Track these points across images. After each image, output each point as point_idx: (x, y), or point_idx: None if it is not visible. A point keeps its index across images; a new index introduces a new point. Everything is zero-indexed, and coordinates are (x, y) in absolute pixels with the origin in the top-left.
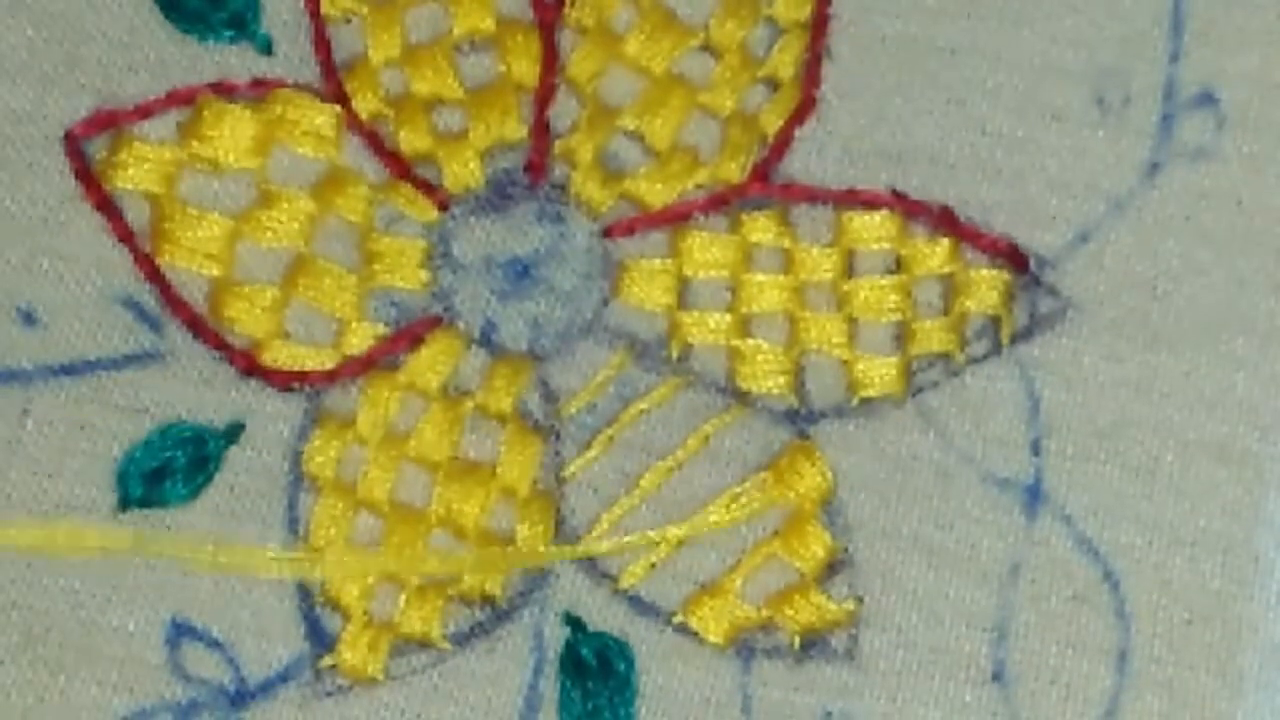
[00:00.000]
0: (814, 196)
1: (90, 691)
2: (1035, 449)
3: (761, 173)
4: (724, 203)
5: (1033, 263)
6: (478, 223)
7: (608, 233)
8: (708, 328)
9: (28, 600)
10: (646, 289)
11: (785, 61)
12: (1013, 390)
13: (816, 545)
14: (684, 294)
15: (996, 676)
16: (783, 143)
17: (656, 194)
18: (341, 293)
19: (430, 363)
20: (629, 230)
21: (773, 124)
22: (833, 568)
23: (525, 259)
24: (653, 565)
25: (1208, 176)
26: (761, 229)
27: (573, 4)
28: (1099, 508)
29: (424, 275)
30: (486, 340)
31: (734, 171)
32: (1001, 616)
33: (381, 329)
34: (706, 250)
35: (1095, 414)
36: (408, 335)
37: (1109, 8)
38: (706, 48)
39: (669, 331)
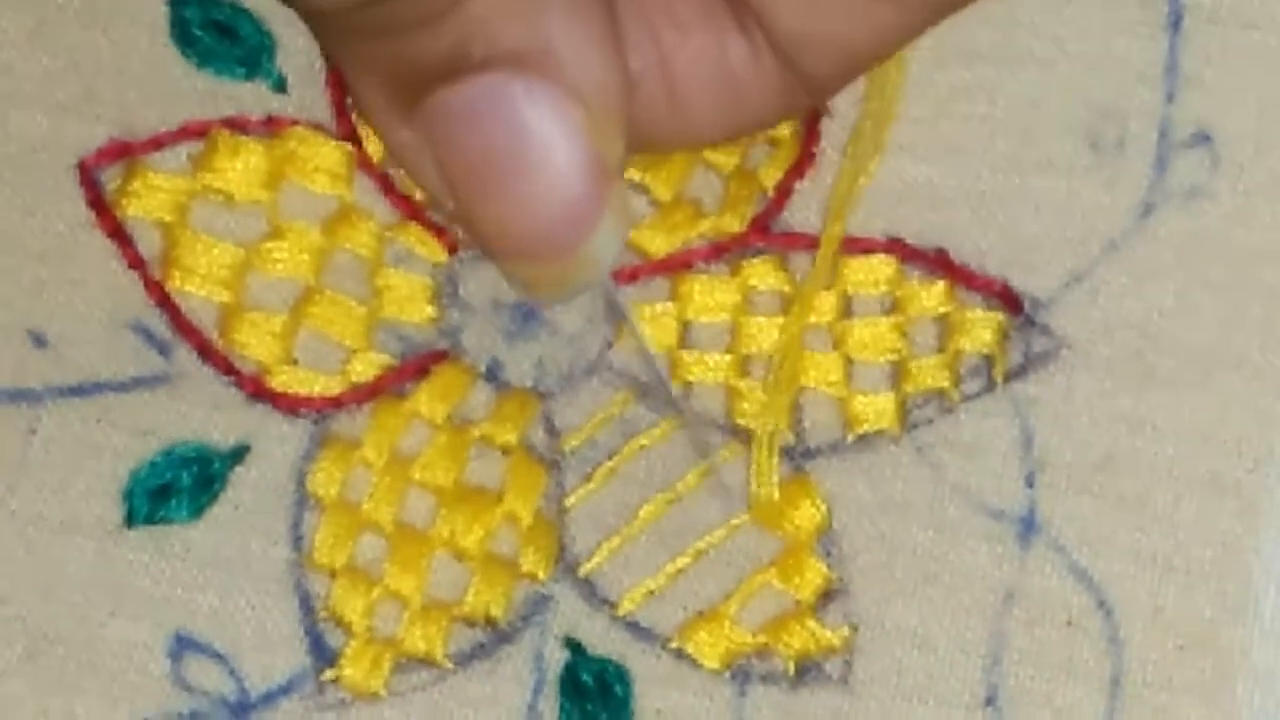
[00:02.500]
0: (814, 245)
1: (93, 703)
2: (1029, 482)
3: (762, 223)
4: (724, 251)
5: (1027, 303)
6: (486, 266)
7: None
8: (707, 367)
9: (31, 613)
10: (649, 332)
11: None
12: (1006, 426)
13: (812, 575)
14: (685, 336)
15: (990, 702)
16: (782, 195)
17: (659, 244)
18: (349, 323)
19: (437, 393)
20: (632, 277)
21: (772, 178)
22: (828, 596)
23: (531, 302)
24: (650, 592)
25: (1200, 216)
26: (760, 274)
27: None
28: (1092, 538)
29: (431, 311)
30: (493, 376)
31: (734, 223)
32: (995, 643)
33: (388, 359)
34: (708, 294)
35: (1088, 449)
36: (414, 366)
37: (1104, 50)
38: None
39: (669, 371)
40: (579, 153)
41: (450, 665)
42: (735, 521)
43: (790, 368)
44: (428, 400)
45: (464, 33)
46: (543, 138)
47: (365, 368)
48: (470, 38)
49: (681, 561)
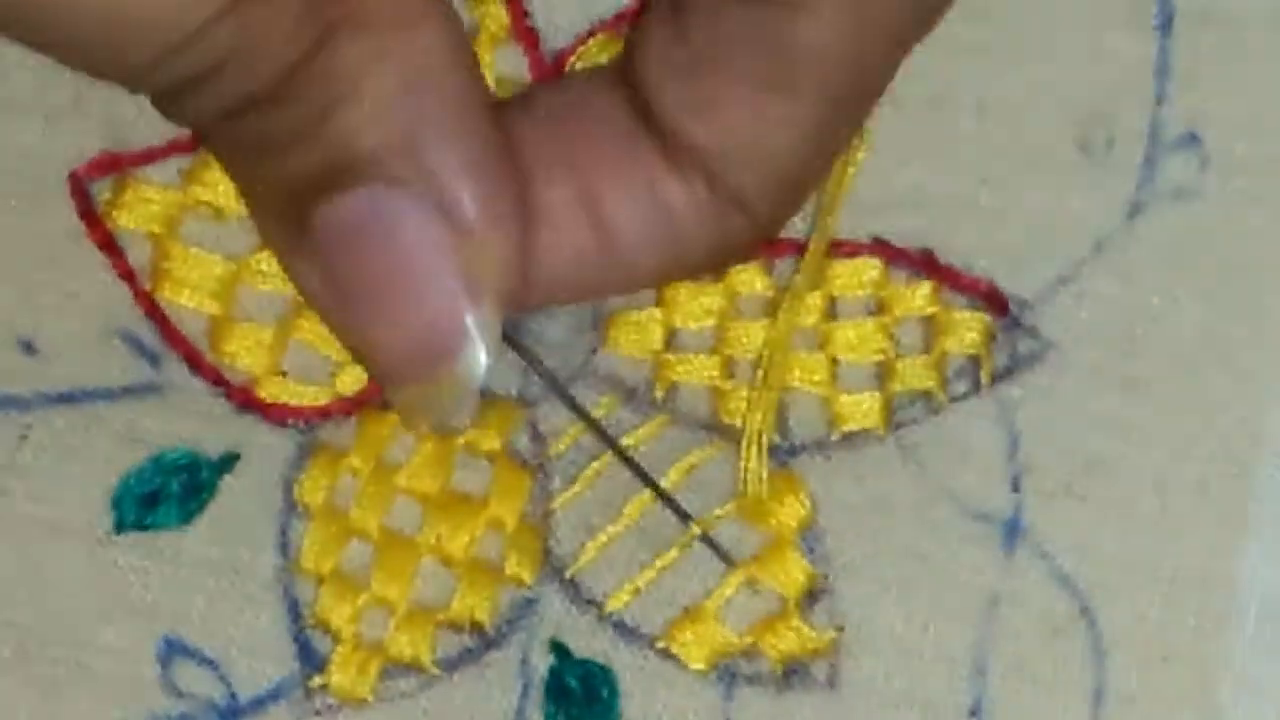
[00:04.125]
0: (799, 250)
1: (83, 707)
2: (1014, 485)
3: None
4: None
5: (1013, 304)
6: None
7: None
8: (692, 368)
9: (20, 617)
10: (635, 338)
11: None
12: (992, 428)
13: (796, 571)
14: (670, 341)
15: (974, 713)
16: None
17: None
18: None
19: None
20: None
21: None
22: (813, 596)
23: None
24: (637, 590)
25: (1189, 217)
26: (745, 280)
27: (571, 68)
28: (1076, 544)
29: None
30: None
31: None
32: (979, 651)
33: None
34: (694, 300)
35: (1074, 452)
36: None
37: (1094, 51)
38: None
39: (654, 373)
40: (445, 273)
41: (437, 671)
42: (719, 512)
43: (778, 366)
44: None
45: (337, 149)
46: (408, 255)
47: (352, 380)
48: (343, 154)
49: (667, 557)
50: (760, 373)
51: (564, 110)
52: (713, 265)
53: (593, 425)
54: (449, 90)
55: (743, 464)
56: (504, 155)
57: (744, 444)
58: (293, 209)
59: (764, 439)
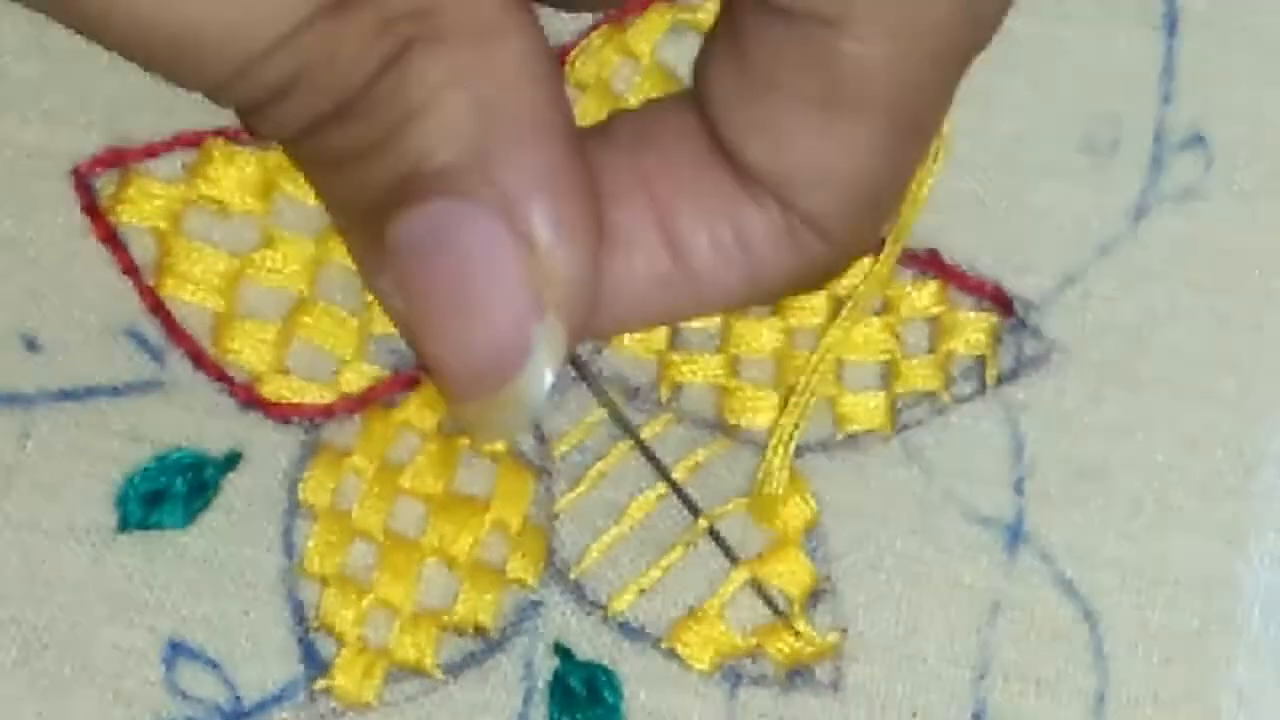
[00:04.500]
0: None
1: (88, 708)
2: (1018, 488)
3: None
4: None
5: (1018, 305)
6: None
7: None
8: (697, 367)
9: (25, 616)
10: (640, 337)
11: None
12: (997, 430)
13: (800, 571)
14: (674, 340)
15: (977, 715)
16: None
17: None
18: (341, 334)
19: (426, 403)
20: None
21: None
22: (816, 596)
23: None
24: (641, 591)
25: (1194, 218)
26: None
27: (573, 63)
28: (1079, 547)
29: None
30: None
31: None
32: (982, 654)
33: (378, 371)
34: None
35: (1078, 455)
36: (405, 379)
37: (1101, 52)
38: None
39: (659, 373)
40: (512, 288)
41: (441, 675)
42: (720, 511)
43: (824, 374)
44: (417, 410)
45: (411, 164)
46: (476, 269)
47: (356, 378)
48: (417, 169)
49: (671, 558)
50: (804, 380)
51: (642, 135)
52: (791, 290)
53: (650, 457)
54: (525, 106)
55: (766, 462)
56: (578, 174)
57: (772, 443)
58: (371, 224)
59: (793, 442)
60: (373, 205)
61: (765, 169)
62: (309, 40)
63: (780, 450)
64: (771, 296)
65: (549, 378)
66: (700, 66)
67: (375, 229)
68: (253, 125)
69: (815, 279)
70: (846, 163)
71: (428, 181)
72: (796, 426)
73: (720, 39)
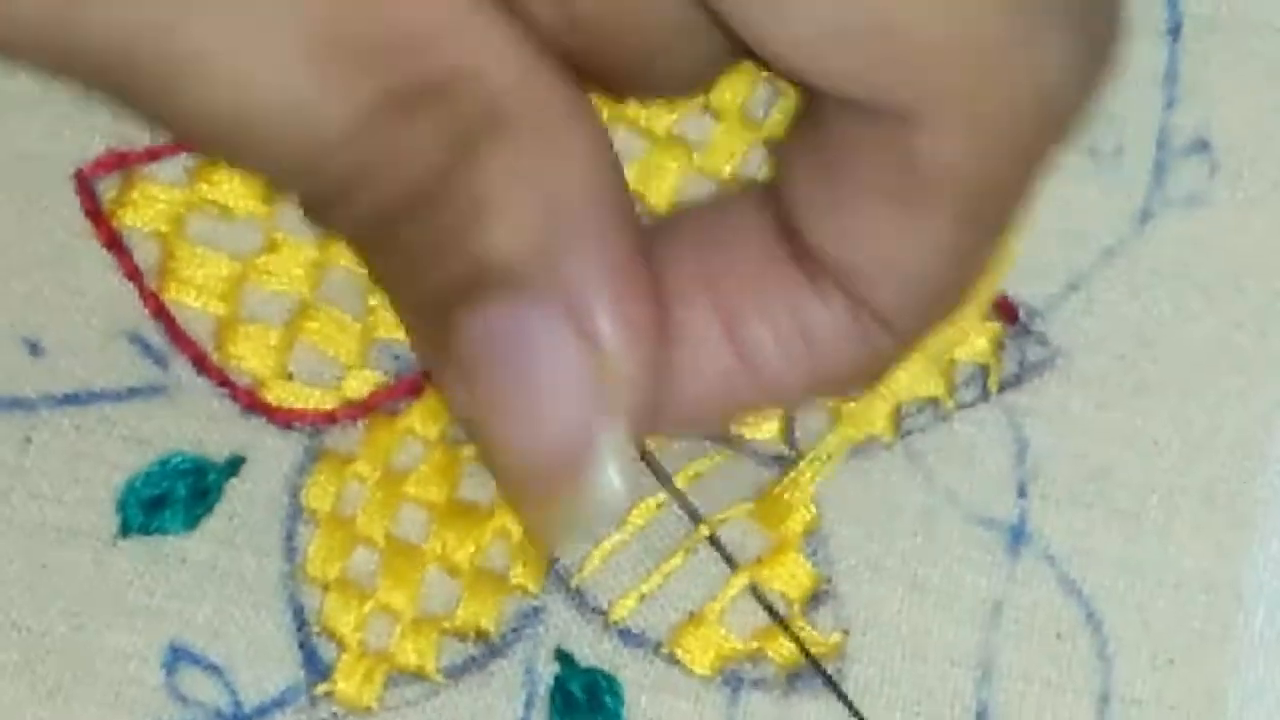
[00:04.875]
0: None
1: (89, 713)
2: (1021, 491)
3: None
4: None
5: (1022, 312)
6: None
7: None
8: None
9: (25, 622)
10: None
11: (783, 123)
12: (1000, 435)
13: (800, 575)
14: None
15: (980, 718)
16: None
17: None
18: (345, 339)
19: (430, 411)
20: None
21: None
22: (817, 599)
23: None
24: (641, 597)
25: (1198, 223)
26: None
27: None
28: (1082, 549)
29: None
30: None
31: None
32: (985, 656)
33: (382, 377)
34: None
35: (1082, 459)
36: (408, 385)
37: None
38: (707, 109)
39: None
40: (575, 388)
41: (442, 679)
42: (721, 516)
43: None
44: (421, 418)
45: (476, 260)
46: (539, 368)
47: (360, 384)
48: (482, 265)
49: (671, 563)
50: (850, 404)
51: (708, 230)
52: (856, 383)
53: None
54: (590, 205)
55: (798, 471)
56: (642, 272)
57: (808, 459)
58: (435, 317)
59: (834, 460)
60: (437, 299)
61: (837, 262)
62: (370, 141)
63: (813, 468)
64: (834, 390)
65: (616, 480)
66: (779, 159)
67: (439, 322)
68: (317, 221)
69: (878, 372)
70: (919, 257)
71: (494, 278)
72: (837, 449)
73: (800, 132)
